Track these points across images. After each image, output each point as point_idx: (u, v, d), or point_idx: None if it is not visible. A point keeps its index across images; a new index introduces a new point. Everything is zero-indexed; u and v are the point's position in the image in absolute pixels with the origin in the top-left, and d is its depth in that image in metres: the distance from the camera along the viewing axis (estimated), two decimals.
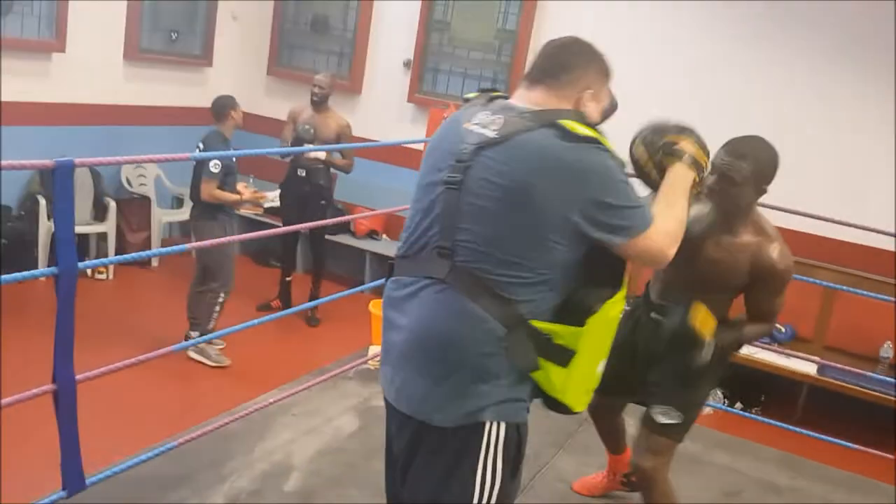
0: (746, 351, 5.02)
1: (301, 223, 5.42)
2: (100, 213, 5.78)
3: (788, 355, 4.97)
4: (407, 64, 6.35)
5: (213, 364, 4.62)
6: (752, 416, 4.64)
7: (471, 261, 1.65)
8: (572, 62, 1.75)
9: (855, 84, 5.09)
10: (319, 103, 5.32)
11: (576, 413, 1.78)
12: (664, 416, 2.47)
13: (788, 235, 5.08)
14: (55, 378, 2.10)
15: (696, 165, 1.93)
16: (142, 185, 6.24)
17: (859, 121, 5.14)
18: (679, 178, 1.90)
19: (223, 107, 4.71)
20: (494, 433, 1.68)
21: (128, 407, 3.80)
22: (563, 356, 1.68)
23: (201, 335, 4.58)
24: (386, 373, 1.80)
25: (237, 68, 6.90)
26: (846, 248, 5.06)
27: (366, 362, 3.80)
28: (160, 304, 5.51)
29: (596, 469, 3.20)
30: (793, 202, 3.70)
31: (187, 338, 4.78)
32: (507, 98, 1.77)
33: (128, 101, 6.02)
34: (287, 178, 5.51)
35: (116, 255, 5.86)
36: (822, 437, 3.71)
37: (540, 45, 5.91)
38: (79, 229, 5.62)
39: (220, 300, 4.64)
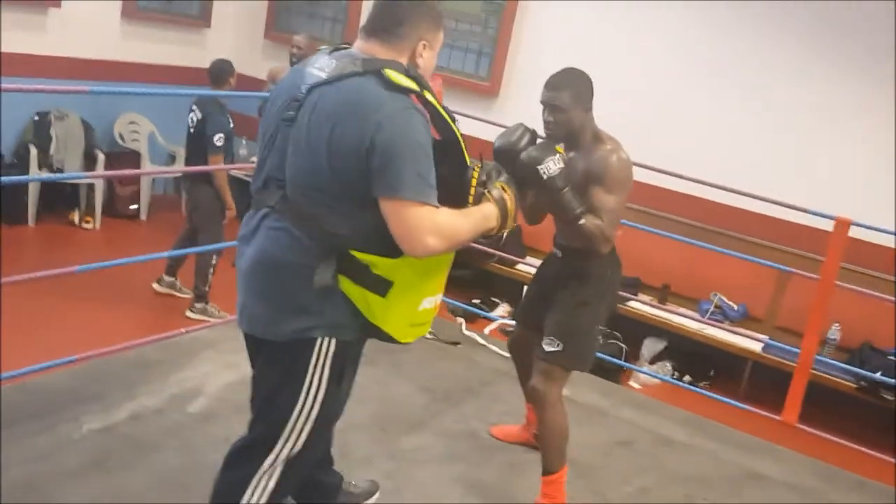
0: (696, 326, 5.26)
1: None
2: (90, 165, 6.03)
3: (735, 333, 5.09)
4: None
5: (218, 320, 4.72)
6: (690, 387, 4.81)
7: (295, 191, 1.81)
8: (404, 16, 1.86)
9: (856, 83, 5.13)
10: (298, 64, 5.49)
11: (403, 343, 1.92)
12: (547, 344, 2.72)
13: (747, 217, 5.09)
14: None
15: (502, 217, 1.95)
16: (134, 140, 6.49)
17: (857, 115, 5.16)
18: (485, 213, 1.91)
19: (222, 71, 4.79)
20: (325, 348, 1.87)
21: (79, 334, 4.02)
22: (381, 286, 1.82)
23: (198, 297, 4.80)
24: (237, 300, 1.98)
25: (235, 31, 7.12)
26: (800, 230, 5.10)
27: None
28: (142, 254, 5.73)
29: (498, 417, 3.39)
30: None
31: (160, 281, 5.01)
32: (349, 48, 1.90)
33: (124, 58, 6.25)
34: None
35: (105, 207, 6.16)
36: (721, 398, 3.91)
37: (526, 18, 6.05)
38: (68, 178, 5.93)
39: (213, 262, 4.78)
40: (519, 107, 6.10)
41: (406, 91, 1.76)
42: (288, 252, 1.83)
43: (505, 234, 2.04)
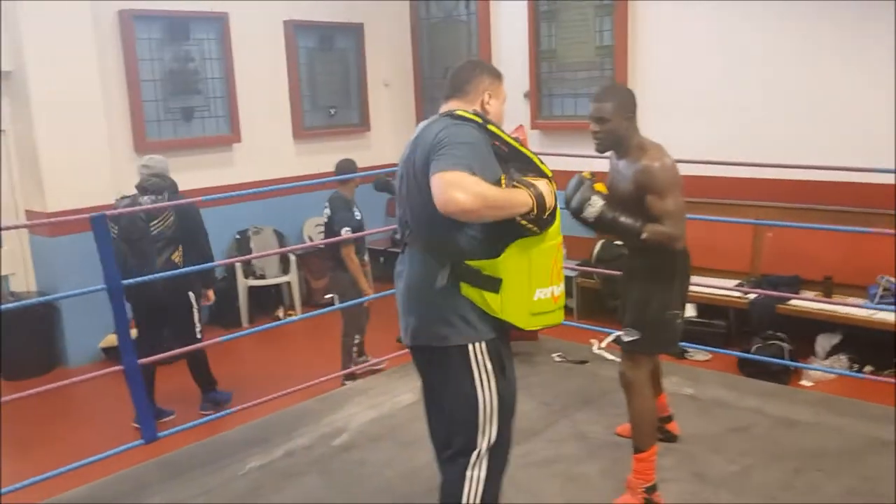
0: (867, 313, 5.03)
1: None
2: (285, 267, 7.04)
3: None
4: (526, 95, 7.01)
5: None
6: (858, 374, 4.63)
7: (414, 226, 2.29)
8: (468, 78, 2.35)
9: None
10: None
11: (528, 330, 2.32)
12: (626, 335, 3.01)
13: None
14: (122, 361, 3.07)
15: (538, 202, 2.17)
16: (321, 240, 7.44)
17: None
18: (517, 195, 2.16)
19: (346, 169, 5.34)
20: (478, 350, 2.27)
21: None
22: (493, 284, 2.20)
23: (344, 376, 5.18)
24: (400, 322, 2.42)
25: (391, 128, 7.98)
26: None
27: None
28: (330, 339, 6.42)
29: (611, 419, 3.60)
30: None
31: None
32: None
33: (299, 172, 7.24)
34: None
35: (304, 299, 7.10)
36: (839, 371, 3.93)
37: (637, 53, 6.39)
38: (270, 281, 6.95)
39: (357, 342, 5.27)
40: None
41: (466, 119, 2.18)
42: (424, 274, 2.27)
43: (546, 215, 2.22)
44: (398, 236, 2.43)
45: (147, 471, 3.35)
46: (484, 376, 2.28)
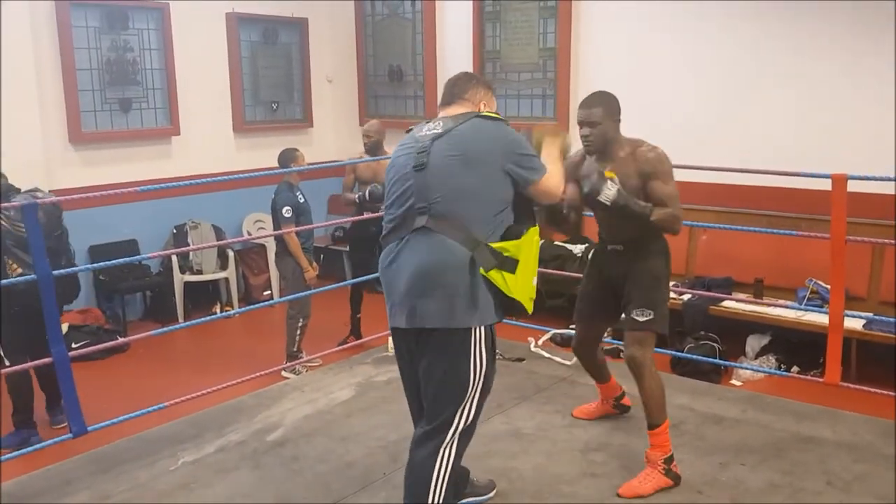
0: (794, 315, 5.19)
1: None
2: (223, 263, 6.93)
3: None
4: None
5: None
6: (780, 372, 4.77)
7: (443, 210, 2.41)
8: (467, 87, 2.63)
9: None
10: (373, 150, 5.79)
11: (528, 314, 2.55)
12: (640, 315, 3.10)
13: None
14: (51, 353, 2.99)
15: (561, 148, 2.73)
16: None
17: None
18: (549, 146, 2.70)
19: (287, 159, 5.45)
20: (480, 332, 2.45)
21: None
22: (512, 265, 2.43)
23: (288, 356, 5.35)
24: (395, 309, 2.52)
25: (334, 124, 7.96)
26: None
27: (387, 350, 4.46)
28: (266, 333, 6.27)
29: (546, 416, 3.66)
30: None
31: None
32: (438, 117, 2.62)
33: (239, 167, 7.12)
34: (354, 221, 6.02)
35: (242, 296, 7.01)
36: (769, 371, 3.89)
37: (579, 55, 6.53)
38: (207, 277, 6.84)
39: (300, 324, 5.35)
40: None
41: (499, 119, 2.55)
42: (449, 256, 2.40)
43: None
44: (394, 225, 2.50)
45: (75, 465, 3.27)
46: (479, 359, 2.44)
